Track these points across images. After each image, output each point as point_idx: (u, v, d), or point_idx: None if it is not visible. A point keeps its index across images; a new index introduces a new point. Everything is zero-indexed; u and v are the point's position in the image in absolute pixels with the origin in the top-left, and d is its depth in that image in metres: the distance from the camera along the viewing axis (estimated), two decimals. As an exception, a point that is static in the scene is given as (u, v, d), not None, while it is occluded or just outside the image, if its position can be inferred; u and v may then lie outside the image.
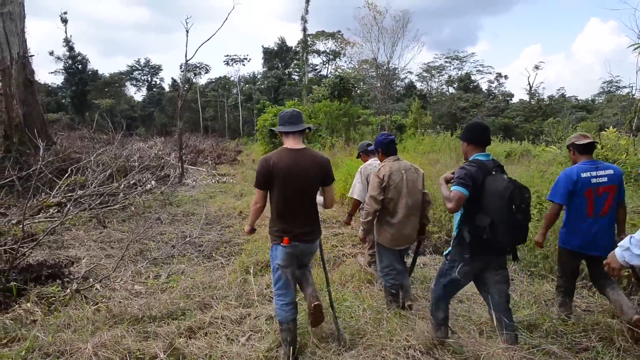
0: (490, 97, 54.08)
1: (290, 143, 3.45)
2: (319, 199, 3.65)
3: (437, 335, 3.46)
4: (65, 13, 52.36)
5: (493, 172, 3.19)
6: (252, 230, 3.79)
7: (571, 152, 4.09)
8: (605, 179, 3.81)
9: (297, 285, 3.69)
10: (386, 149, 4.39)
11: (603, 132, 10.20)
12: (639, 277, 4.03)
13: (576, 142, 3.97)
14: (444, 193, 3.31)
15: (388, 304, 4.33)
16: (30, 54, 12.75)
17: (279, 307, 3.52)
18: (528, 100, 49.67)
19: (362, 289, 5.14)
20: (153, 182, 12.93)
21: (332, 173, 3.58)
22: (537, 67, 51.69)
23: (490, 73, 59.79)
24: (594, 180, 3.80)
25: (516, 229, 3.06)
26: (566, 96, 52.36)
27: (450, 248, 3.44)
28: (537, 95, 50.94)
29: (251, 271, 5.67)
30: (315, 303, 3.51)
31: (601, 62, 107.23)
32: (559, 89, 60.59)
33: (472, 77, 56.28)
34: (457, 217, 3.37)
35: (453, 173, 3.36)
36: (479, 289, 3.52)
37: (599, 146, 9.36)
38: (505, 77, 66.72)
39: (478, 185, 3.12)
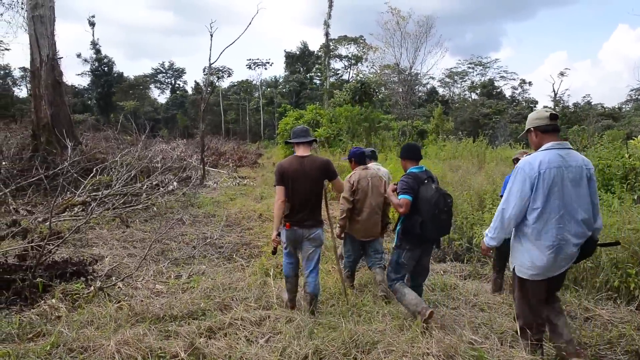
0: (514, 103, 53.37)
1: (300, 152, 4.44)
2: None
3: (397, 293, 4.33)
4: (93, 17, 53.74)
5: (425, 182, 4.10)
6: (278, 236, 4.44)
7: None
8: None
9: (303, 265, 4.56)
10: (358, 159, 5.34)
11: (630, 141, 9.98)
12: (492, 258, 5.39)
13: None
14: (393, 201, 4.20)
15: (345, 279, 5.14)
16: (59, 56, 13.07)
17: (285, 265, 4.60)
18: (552, 107, 48.85)
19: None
20: (175, 184, 13.09)
21: (332, 169, 4.46)
22: (562, 74, 50.88)
23: (514, 79, 58.66)
24: None
25: (440, 226, 4.06)
26: (592, 104, 51.34)
27: (396, 240, 4.35)
28: (562, 102, 50.04)
29: (271, 274, 5.69)
30: (311, 293, 4.44)
31: (629, 69, 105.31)
32: (584, 96, 59.27)
33: (496, 83, 55.57)
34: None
35: (396, 184, 4.25)
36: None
37: (626, 155, 9.16)
38: (530, 83, 65.80)
39: (416, 191, 4.07)
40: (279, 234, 4.43)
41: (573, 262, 3.31)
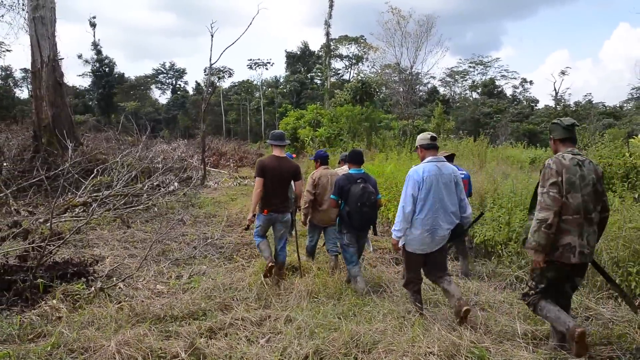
0: (515, 102, 53.29)
1: (277, 152, 5.55)
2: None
3: (353, 272, 5.34)
4: (94, 17, 53.87)
5: (357, 181, 5.14)
6: (253, 217, 5.58)
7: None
8: (463, 175, 5.44)
9: (275, 241, 5.75)
10: (322, 160, 6.34)
11: (631, 140, 9.96)
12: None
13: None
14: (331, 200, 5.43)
15: (307, 257, 6.32)
16: (60, 57, 13.08)
17: (256, 237, 5.66)
18: (554, 106, 48.72)
19: (382, 295, 5.12)
20: (176, 184, 13.11)
21: (299, 173, 5.73)
22: (563, 73, 50.69)
23: (515, 78, 58.42)
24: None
25: (363, 217, 5.13)
26: (593, 102, 51.26)
27: (337, 227, 5.58)
28: (563, 101, 49.92)
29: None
30: (280, 262, 5.62)
31: (630, 68, 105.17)
32: (585, 95, 59.15)
33: (497, 83, 55.42)
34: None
35: None
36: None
37: (627, 154, 9.14)
38: (531, 82, 65.35)
39: (345, 190, 5.14)
40: (254, 216, 5.55)
41: (446, 241, 4.36)
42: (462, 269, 6.14)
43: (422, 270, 4.54)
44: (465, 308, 4.05)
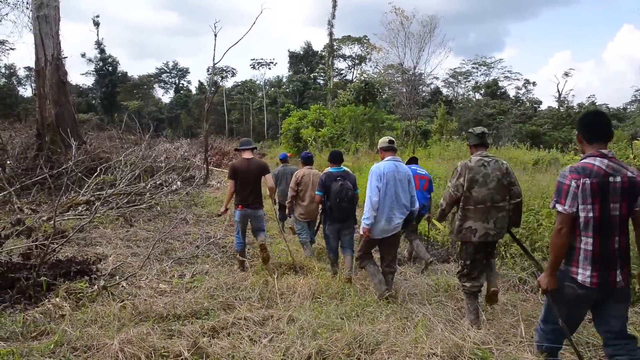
0: (518, 103, 53.13)
1: (246, 155, 6.31)
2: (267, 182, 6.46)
3: (330, 255, 6.06)
4: (97, 16, 53.90)
5: (337, 179, 5.65)
6: (225, 211, 6.51)
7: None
8: (424, 172, 6.72)
9: (253, 234, 6.58)
10: (305, 161, 7.11)
11: (635, 141, 9.91)
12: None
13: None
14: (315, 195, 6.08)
15: (303, 248, 6.97)
16: (63, 56, 13.10)
17: (236, 242, 6.39)
18: (557, 107, 48.64)
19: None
20: (179, 183, 13.12)
21: (267, 168, 6.40)
22: (566, 74, 50.74)
23: (518, 79, 58.13)
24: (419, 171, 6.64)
25: (342, 211, 5.61)
26: (596, 104, 51.08)
27: (323, 218, 6.05)
28: (566, 102, 49.84)
29: (275, 273, 5.69)
30: (261, 242, 6.15)
31: (634, 69, 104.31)
32: (589, 97, 58.84)
33: (500, 84, 55.24)
34: None
35: None
36: (339, 238, 5.95)
37: (631, 155, 9.10)
38: (534, 83, 65.05)
39: (327, 187, 5.68)
40: (226, 210, 6.47)
41: (400, 228, 5.10)
42: (409, 251, 7.06)
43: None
44: (387, 294, 4.90)
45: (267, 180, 6.38)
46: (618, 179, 2.80)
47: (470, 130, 4.63)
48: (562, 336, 3.14)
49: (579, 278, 2.85)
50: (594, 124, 2.99)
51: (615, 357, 2.90)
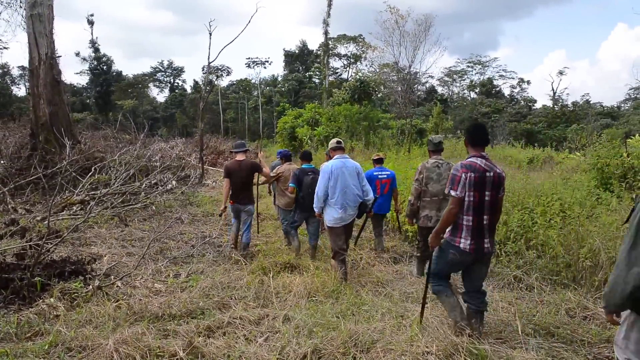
0: (513, 102, 53.33)
1: (238, 157, 6.94)
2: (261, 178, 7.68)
3: (291, 241, 7.00)
4: (92, 15, 53.51)
5: (308, 174, 6.52)
6: (225, 209, 6.96)
7: None
8: (385, 176, 7.07)
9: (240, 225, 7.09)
10: (286, 158, 7.92)
11: (629, 140, 9.97)
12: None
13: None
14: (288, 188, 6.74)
15: (286, 240, 7.46)
16: (57, 55, 13.03)
17: (231, 230, 7.17)
18: (551, 106, 48.81)
19: (380, 294, 5.13)
20: (174, 182, 13.09)
21: (258, 166, 7.00)
22: (561, 73, 50.88)
23: (513, 78, 58.28)
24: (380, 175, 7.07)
25: (311, 201, 5.85)
26: (591, 102, 51.34)
27: (294, 208, 6.85)
28: (560, 101, 50.03)
29: (270, 272, 5.68)
30: (235, 245, 6.97)
31: (628, 68, 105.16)
32: (583, 95, 59.37)
33: (495, 82, 55.45)
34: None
35: None
36: (306, 225, 6.82)
37: (625, 154, 9.16)
38: (528, 82, 65.37)
39: (300, 180, 6.48)
40: (225, 208, 6.91)
41: (356, 215, 5.75)
42: (379, 245, 7.21)
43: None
44: (343, 277, 5.46)
45: (263, 174, 7.17)
46: (491, 174, 3.68)
47: (430, 139, 6.06)
48: (440, 280, 4.03)
49: (461, 246, 3.71)
50: (477, 133, 3.87)
51: (468, 303, 3.95)
